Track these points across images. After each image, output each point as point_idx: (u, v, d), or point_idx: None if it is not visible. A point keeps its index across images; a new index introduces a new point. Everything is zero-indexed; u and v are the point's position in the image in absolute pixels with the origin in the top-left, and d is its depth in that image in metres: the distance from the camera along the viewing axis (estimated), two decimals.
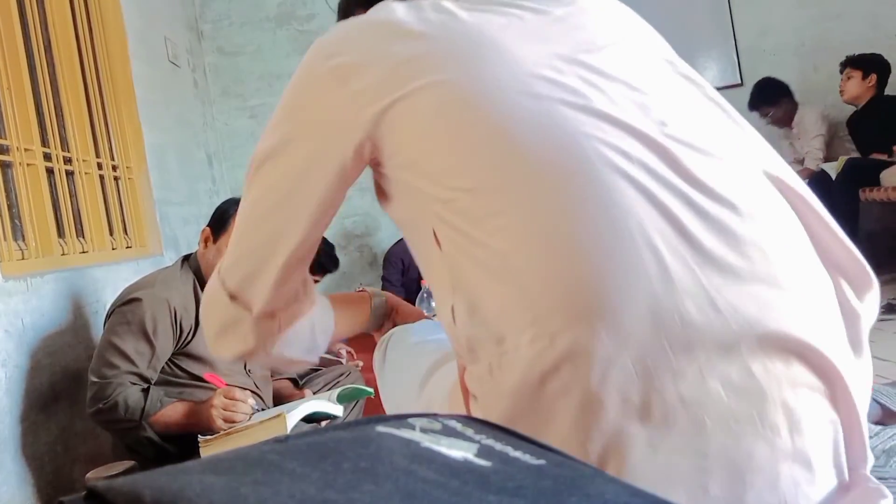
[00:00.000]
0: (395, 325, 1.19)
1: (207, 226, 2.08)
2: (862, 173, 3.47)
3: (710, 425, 0.63)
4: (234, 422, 1.84)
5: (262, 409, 2.02)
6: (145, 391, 1.85)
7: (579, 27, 0.79)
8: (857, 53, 3.74)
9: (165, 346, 1.90)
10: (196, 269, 2.07)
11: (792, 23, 4.22)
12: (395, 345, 1.10)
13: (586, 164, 0.67)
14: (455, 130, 0.72)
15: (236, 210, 2.19)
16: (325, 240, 3.07)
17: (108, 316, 1.94)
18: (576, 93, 0.71)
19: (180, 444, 1.87)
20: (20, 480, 1.86)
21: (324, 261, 3.00)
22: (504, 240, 0.68)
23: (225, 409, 1.83)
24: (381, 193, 0.84)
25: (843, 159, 3.62)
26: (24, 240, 2.10)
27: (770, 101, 3.96)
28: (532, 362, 0.65)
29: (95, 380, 1.82)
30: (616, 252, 0.64)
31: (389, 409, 1.08)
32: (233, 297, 0.89)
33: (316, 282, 3.05)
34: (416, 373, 0.97)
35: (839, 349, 0.68)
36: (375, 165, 0.80)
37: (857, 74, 3.69)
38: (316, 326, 0.99)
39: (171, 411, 1.87)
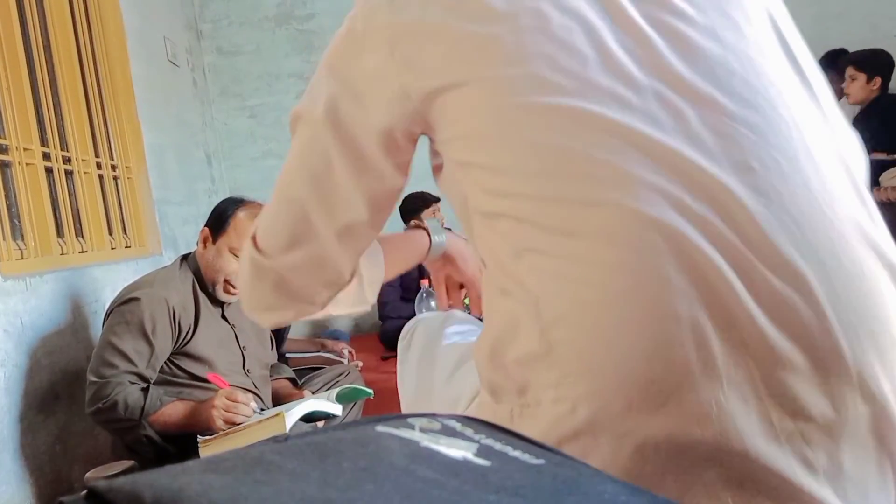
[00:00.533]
0: (446, 265, 1.10)
1: (206, 226, 2.07)
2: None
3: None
4: (234, 423, 1.84)
5: (262, 409, 2.03)
6: (145, 390, 1.85)
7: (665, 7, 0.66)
8: (859, 50, 3.71)
9: (164, 345, 1.90)
10: (195, 270, 2.07)
11: (792, 21, 4.22)
12: (422, 337, 1.06)
13: (636, 223, 0.59)
14: (506, 143, 0.64)
15: (235, 210, 2.17)
16: None
17: (107, 315, 1.94)
18: (648, 119, 0.61)
19: (179, 443, 1.87)
20: (20, 480, 1.86)
21: None
22: (539, 283, 0.62)
23: (226, 411, 1.83)
24: (436, 167, 0.78)
25: None
26: (23, 239, 2.10)
27: (839, 71, 3.81)
28: (552, 425, 0.61)
29: (94, 379, 1.82)
30: (656, 337, 0.57)
31: (408, 400, 1.05)
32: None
33: None
34: (444, 365, 0.94)
35: None
36: (429, 136, 0.74)
37: (861, 77, 3.64)
38: (364, 278, 0.91)
39: (171, 410, 1.87)
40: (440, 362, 0.97)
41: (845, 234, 0.61)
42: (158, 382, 1.93)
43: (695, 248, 0.58)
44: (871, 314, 0.60)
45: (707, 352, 0.57)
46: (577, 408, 0.60)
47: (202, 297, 2.04)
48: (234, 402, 1.85)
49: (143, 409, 1.81)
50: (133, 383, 1.84)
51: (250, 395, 1.95)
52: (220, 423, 1.83)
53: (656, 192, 0.59)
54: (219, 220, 2.05)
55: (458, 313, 1.11)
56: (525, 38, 0.64)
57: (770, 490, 0.58)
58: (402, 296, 3.45)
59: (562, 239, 0.61)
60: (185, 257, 2.14)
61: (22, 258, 2.04)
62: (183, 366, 1.97)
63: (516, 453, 0.42)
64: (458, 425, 0.46)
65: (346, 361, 2.87)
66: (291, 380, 2.35)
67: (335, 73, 0.74)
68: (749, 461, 0.57)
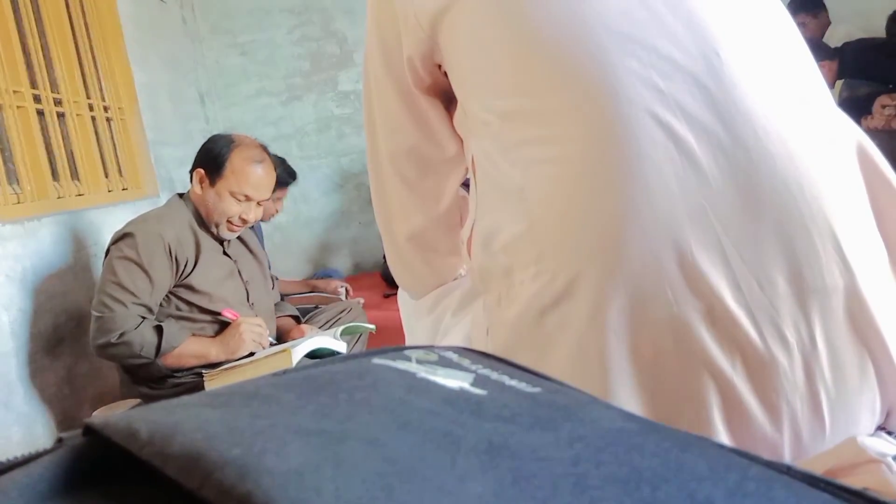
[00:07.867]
0: None
1: (200, 167, 2.06)
2: (860, 102, 3.41)
3: (695, 367, 0.62)
4: (262, 345, 1.97)
5: (272, 342, 2.06)
6: (158, 328, 1.86)
7: None
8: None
9: (163, 278, 1.90)
10: (194, 209, 2.06)
11: None
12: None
13: (617, 107, 0.64)
14: (500, 45, 0.71)
15: (229, 152, 2.14)
16: (276, 156, 3.02)
17: (106, 254, 1.94)
18: (625, 15, 0.66)
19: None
20: (30, 421, 1.90)
21: (279, 175, 2.94)
22: (524, 173, 0.69)
23: (253, 332, 1.95)
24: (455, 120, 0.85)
25: (839, 84, 3.55)
26: (18, 184, 2.09)
27: (809, 9, 3.83)
28: (533, 296, 0.67)
29: (98, 314, 1.83)
30: (629, 202, 0.63)
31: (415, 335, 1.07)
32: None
33: (280, 198, 2.97)
34: (450, 301, 0.95)
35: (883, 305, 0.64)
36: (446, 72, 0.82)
37: None
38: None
39: (187, 348, 1.90)
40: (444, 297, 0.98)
41: (797, 120, 0.66)
42: (163, 317, 1.94)
43: (666, 124, 0.63)
44: (832, 195, 0.64)
45: (675, 215, 0.61)
46: (556, 276, 0.65)
47: (201, 233, 2.04)
48: (258, 324, 1.98)
49: (158, 347, 1.83)
50: (143, 317, 1.85)
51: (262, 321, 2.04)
52: (252, 345, 1.94)
53: (633, 76, 0.64)
54: (215, 163, 2.03)
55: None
56: None
57: (744, 350, 0.62)
58: None
59: (546, 132, 0.67)
60: (180, 196, 2.13)
61: (18, 202, 2.03)
62: (188, 299, 1.97)
63: (512, 382, 0.42)
64: (454, 356, 0.46)
65: (343, 298, 2.87)
66: (294, 317, 2.37)
67: (367, 42, 0.87)
68: (723, 322, 0.61)
